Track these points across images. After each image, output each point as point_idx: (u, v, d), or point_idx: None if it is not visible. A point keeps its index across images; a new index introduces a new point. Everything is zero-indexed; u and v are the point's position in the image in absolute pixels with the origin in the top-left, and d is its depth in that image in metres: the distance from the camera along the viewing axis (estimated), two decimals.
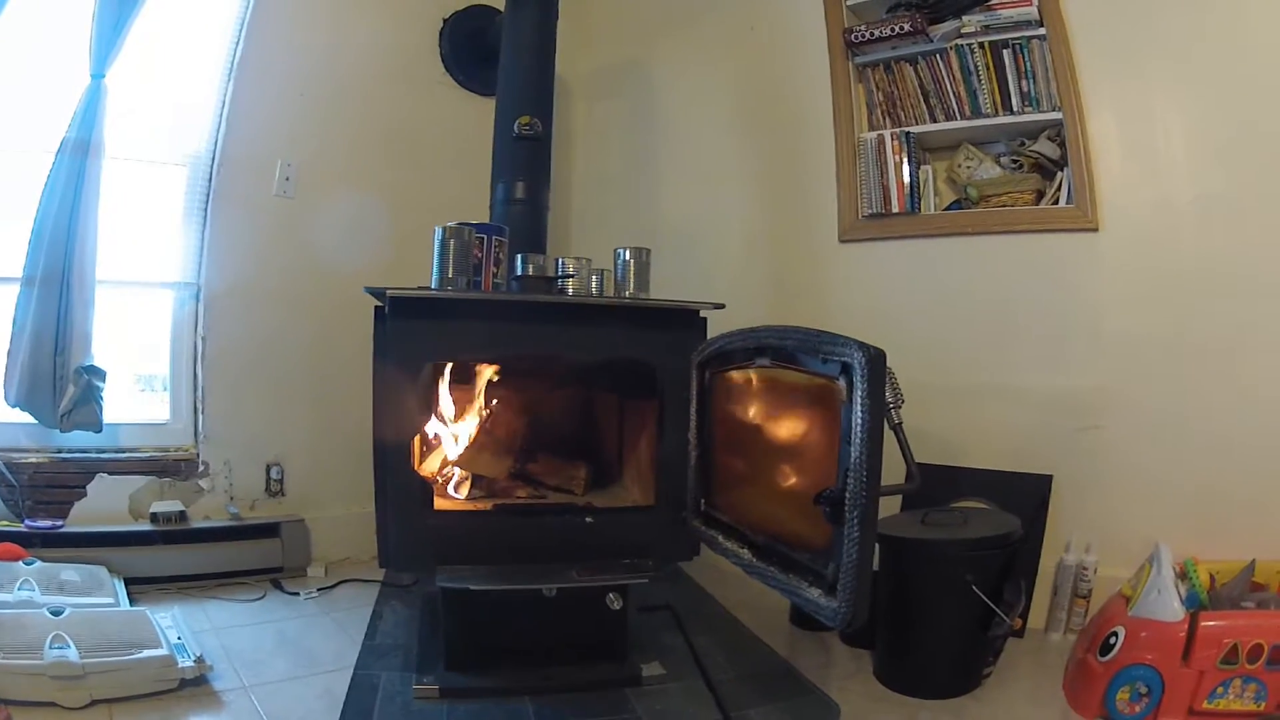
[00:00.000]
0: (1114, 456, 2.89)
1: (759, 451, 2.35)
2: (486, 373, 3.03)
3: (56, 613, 2.37)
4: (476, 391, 3.06)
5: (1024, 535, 2.60)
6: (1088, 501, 2.91)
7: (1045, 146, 3.04)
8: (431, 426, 2.96)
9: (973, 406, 3.08)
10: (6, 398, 3.01)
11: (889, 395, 1.94)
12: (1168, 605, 2.25)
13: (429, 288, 2.59)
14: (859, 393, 1.81)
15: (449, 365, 2.93)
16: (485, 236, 2.71)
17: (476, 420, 3.03)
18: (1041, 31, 2.97)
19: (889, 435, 1.94)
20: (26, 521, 3.01)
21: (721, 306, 2.77)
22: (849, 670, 2.65)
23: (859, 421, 1.81)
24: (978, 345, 3.12)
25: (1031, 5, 2.97)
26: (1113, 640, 2.31)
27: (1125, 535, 2.77)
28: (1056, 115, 2.96)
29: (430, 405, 2.89)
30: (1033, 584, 2.84)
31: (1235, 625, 2.19)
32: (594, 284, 2.88)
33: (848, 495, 1.83)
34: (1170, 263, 2.81)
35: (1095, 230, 2.90)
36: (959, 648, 2.49)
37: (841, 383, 1.87)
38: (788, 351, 2.12)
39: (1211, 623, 2.20)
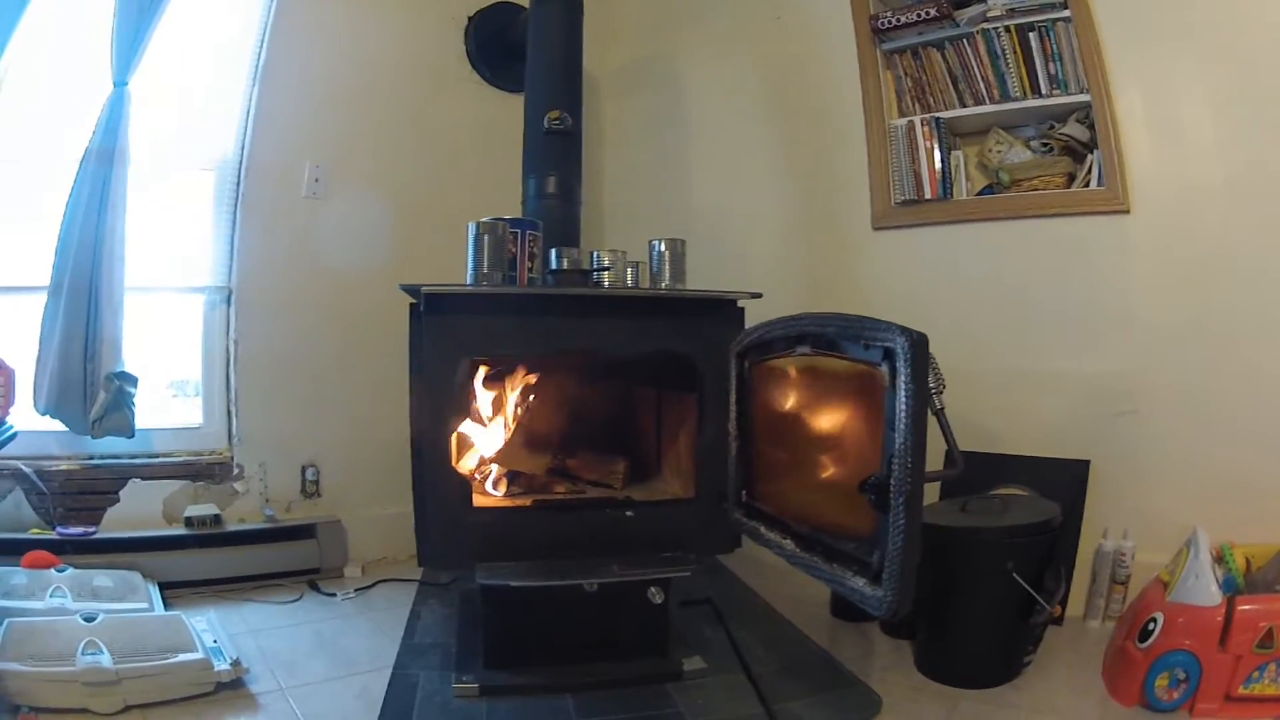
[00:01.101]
0: (1149, 441, 2.87)
1: (799, 441, 2.34)
2: (522, 369, 3.02)
3: (89, 619, 2.38)
4: (513, 387, 3.05)
5: (1064, 521, 2.58)
6: (1124, 487, 2.89)
7: (1075, 129, 3.02)
8: (469, 423, 2.95)
9: (1008, 392, 3.06)
10: (36, 406, 3.00)
11: (931, 380, 1.92)
12: (1205, 590, 2.23)
13: (464, 284, 2.58)
14: (902, 378, 1.80)
15: (485, 361, 2.91)
16: (519, 231, 2.71)
17: (514, 416, 3.02)
18: (1066, 14, 2.94)
19: (931, 421, 1.92)
20: (58, 529, 3.02)
21: (759, 296, 2.76)
22: (889, 661, 2.63)
23: (903, 407, 1.79)
24: (1012, 330, 3.11)
25: None
26: (1151, 626, 2.29)
27: (1161, 520, 2.75)
28: (1085, 97, 2.94)
29: (467, 402, 2.87)
30: (1071, 571, 2.82)
31: (1272, 609, 2.16)
32: (630, 276, 2.87)
33: (893, 481, 1.82)
34: (1201, 245, 2.79)
35: (1126, 212, 2.88)
36: (1000, 636, 2.47)
37: (884, 368, 1.86)
38: (828, 339, 2.11)
39: (1248, 607, 2.17)
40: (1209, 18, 2.74)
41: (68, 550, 2.92)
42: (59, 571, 2.74)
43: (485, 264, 2.57)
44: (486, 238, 2.57)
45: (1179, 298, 2.82)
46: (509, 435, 3.00)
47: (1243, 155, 2.72)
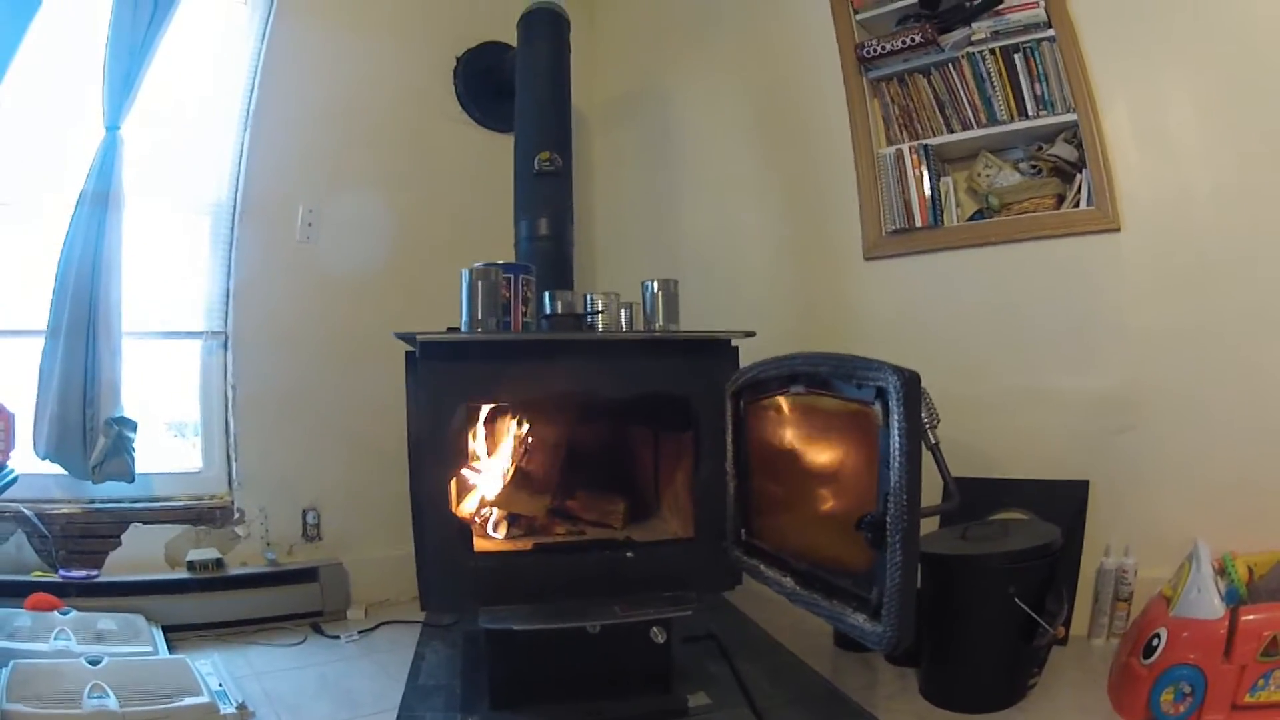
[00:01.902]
0: (1148, 456, 2.87)
1: (797, 478, 2.34)
2: (520, 413, 3.03)
3: (94, 662, 2.38)
4: (511, 430, 3.05)
5: (1064, 543, 2.58)
6: (1124, 503, 2.89)
7: (1062, 149, 3.03)
8: (468, 467, 2.96)
9: (1005, 416, 3.07)
10: (36, 451, 3.01)
11: (924, 416, 1.93)
12: (1208, 603, 2.23)
13: (459, 329, 2.60)
14: (895, 416, 1.81)
15: (482, 406, 2.93)
16: (513, 276, 2.71)
17: (512, 459, 3.03)
18: (1051, 33, 2.96)
19: (926, 455, 1.93)
20: (61, 572, 3.02)
21: (752, 334, 2.76)
22: (894, 689, 2.63)
23: (897, 445, 1.80)
24: (1007, 355, 3.11)
25: (1039, 7, 2.97)
26: (1155, 642, 2.29)
27: (1163, 534, 2.75)
28: (1071, 116, 2.95)
29: (465, 446, 2.88)
30: (1074, 590, 2.83)
31: (1274, 617, 2.17)
32: (623, 318, 2.89)
33: (889, 519, 1.82)
34: (1193, 255, 2.79)
35: (1117, 230, 2.89)
36: (1004, 660, 2.47)
37: (877, 407, 1.87)
38: (821, 378, 2.12)
39: (1251, 616, 2.18)
40: (1192, 28, 2.76)
41: (71, 593, 2.92)
42: (63, 614, 2.74)
43: (480, 310, 2.57)
44: (480, 284, 2.58)
45: (1173, 309, 2.83)
46: (508, 478, 3.01)
47: (1230, 162, 2.73)
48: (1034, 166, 3.11)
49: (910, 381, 1.81)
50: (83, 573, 3.05)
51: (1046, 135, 3.09)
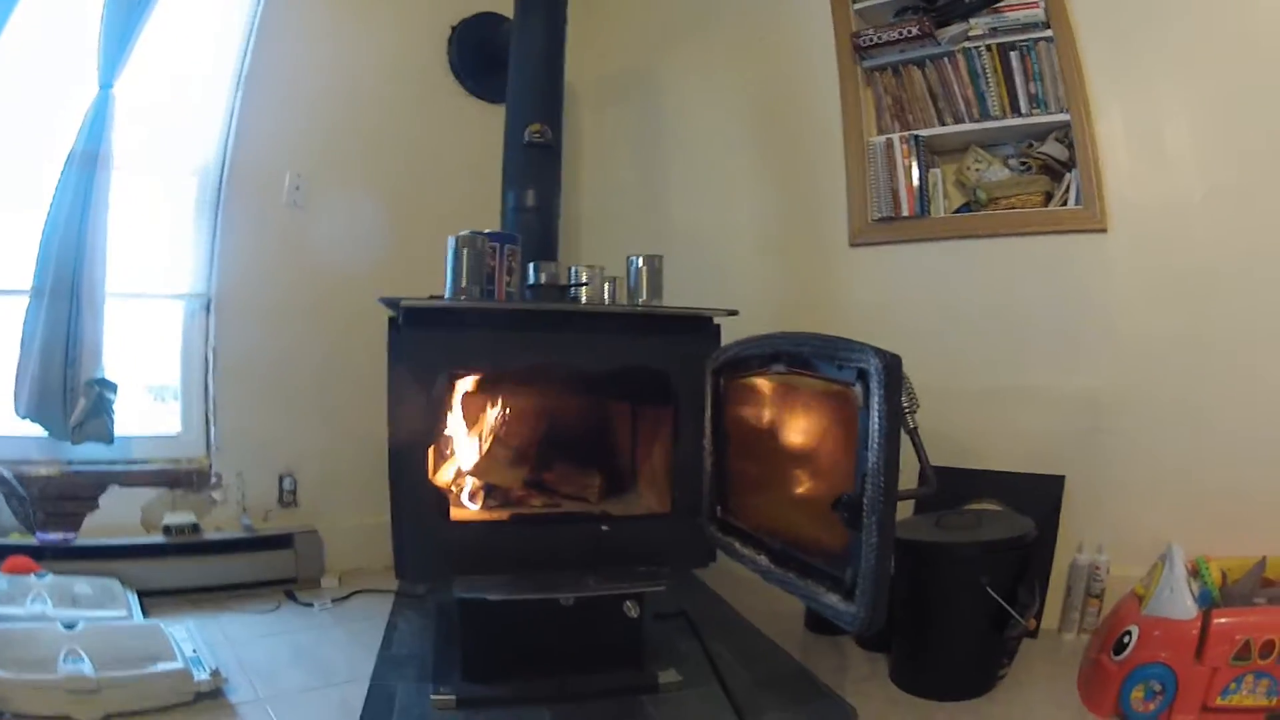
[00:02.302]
0: (1125, 456, 2.90)
1: (774, 457, 2.35)
2: (500, 383, 3.03)
3: (70, 626, 2.35)
4: (491, 401, 3.05)
5: (1038, 536, 2.59)
6: (1100, 501, 2.91)
7: (1053, 148, 3.05)
8: (446, 436, 2.95)
9: (985, 409, 3.08)
10: (16, 410, 3.00)
11: (904, 400, 1.94)
12: (1180, 603, 2.25)
13: (442, 297, 2.59)
14: (875, 398, 1.82)
15: (463, 375, 2.92)
16: (498, 245, 2.71)
17: (491, 429, 3.03)
18: (1049, 33, 2.97)
19: (904, 440, 1.94)
20: (38, 534, 3.00)
21: (735, 313, 2.77)
22: (865, 674, 2.64)
23: (876, 427, 1.82)
24: (989, 347, 3.12)
25: (1038, 7, 2.97)
26: (1126, 639, 2.30)
27: (1137, 534, 2.77)
28: (1064, 117, 2.96)
29: (445, 415, 2.88)
30: (1046, 584, 2.85)
31: (1247, 622, 2.19)
32: (607, 292, 2.88)
33: (865, 501, 1.83)
34: (1180, 261, 2.81)
35: (1104, 231, 2.91)
36: (974, 650, 2.49)
37: (858, 389, 1.88)
38: (803, 358, 2.13)
39: (1224, 620, 2.19)
40: (1190, 37, 2.77)
41: (47, 556, 2.91)
42: (39, 578, 2.72)
43: (464, 278, 2.57)
44: (466, 251, 2.58)
45: (1157, 314, 2.85)
46: (486, 448, 3.00)
47: (1222, 171, 2.75)
48: (1023, 163, 3.12)
49: (892, 364, 1.82)
50: (59, 536, 3.03)
51: (1038, 133, 3.10)
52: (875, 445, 1.81)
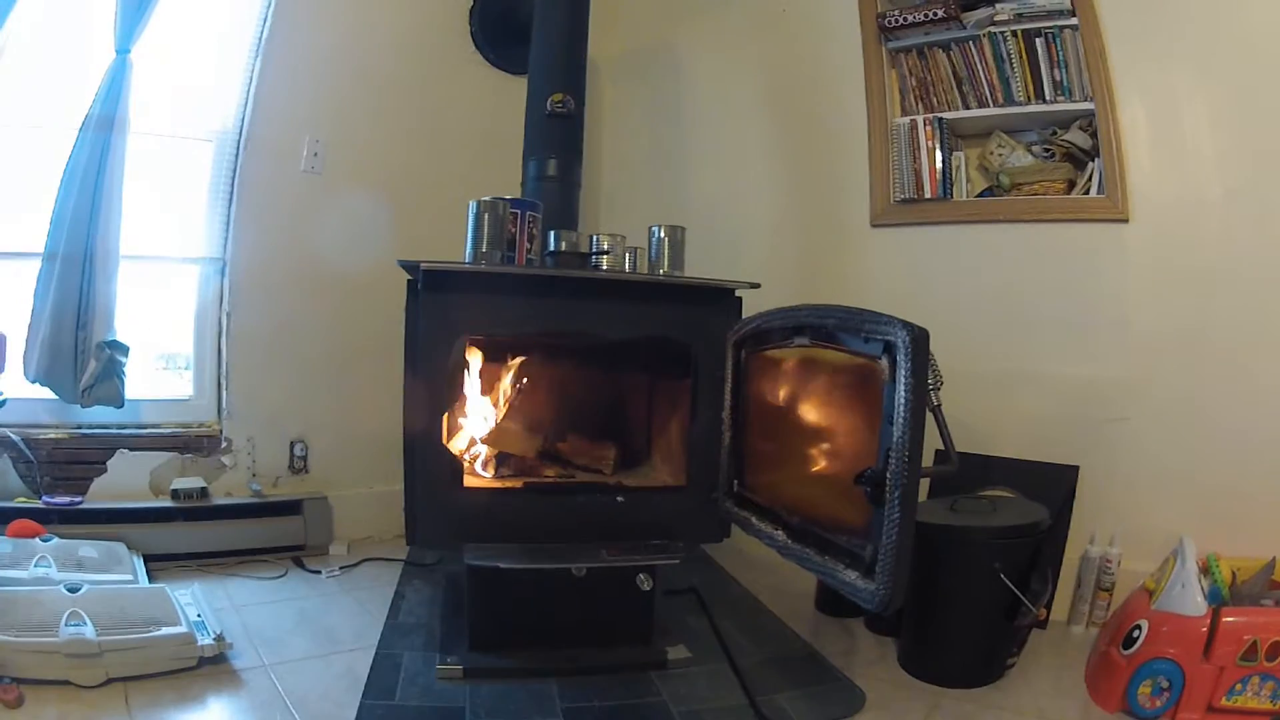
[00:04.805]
0: (1139, 449, 2.88)
1: (794, 432, 2.34)
2: (517, 352, 3.02)
3: (73, 589, 2.35)
4: (507, 368, 3.04)
5: (1051, 525, 2.59)
6: (1112, 494, 2.90)
7: (1077, 136, 3.02)
8: (462, 402, 2.94)
9: (1000, 394, 3.06)
10: (26, 373, 2.98)
11: (929, 377, 1.92)
12: (1191, 600, 2.24)
13: (463, 262, 2.58)
14: (903, 371, 1.81)
15: (481, 340, 2.91)
16: (520, 211, 2.70)
17: (507, 397, 3.02)
18: (1074, 21, 2.94)
19: (928, 417, 1.92)
20: (44, 498, 3.00)
21: (757, 286, 2.76)
22: (873, 657, 2.64)
23: (902, 401, 1.80)
24: (1006, 333, 3.11)
25: None
26: (1135, 634, 2.30)
27: (1148, 529, 2.77)
28: (1089, 105, 2.94)
29: (462, 380, 2.86)
30: (1058, 574, 2.83)
31: (1255, 622, 2.17)
32: (628, 261, 2.86)
33: (889, 475, 1.82)
34: (1198, 256, 2.79)
35: (1125, 221, 2.88)
36: (984, 637, 2.47)
37: (884, 362, 1.87)
38: (828, 330, 2.12)
39: (1233, 619, 2.18)
40: (1213, 34, 2.75)
41: (53, 520, 2.90)
42: (44, 541, 2.71)
43: (485, 243, 2.56)
44: (487, 216, 2.56)
45: (1174, 307, 2.83)
46: (501, 416, 2.99)
47: (1243, 170, 2.73)
48: (1047, 150, 3.10)
49: (919, 337, 1.81)
50: (66, 499, 3.03)
51: (1062, 121, 3.07)
52: (900, 419, 1.80)
